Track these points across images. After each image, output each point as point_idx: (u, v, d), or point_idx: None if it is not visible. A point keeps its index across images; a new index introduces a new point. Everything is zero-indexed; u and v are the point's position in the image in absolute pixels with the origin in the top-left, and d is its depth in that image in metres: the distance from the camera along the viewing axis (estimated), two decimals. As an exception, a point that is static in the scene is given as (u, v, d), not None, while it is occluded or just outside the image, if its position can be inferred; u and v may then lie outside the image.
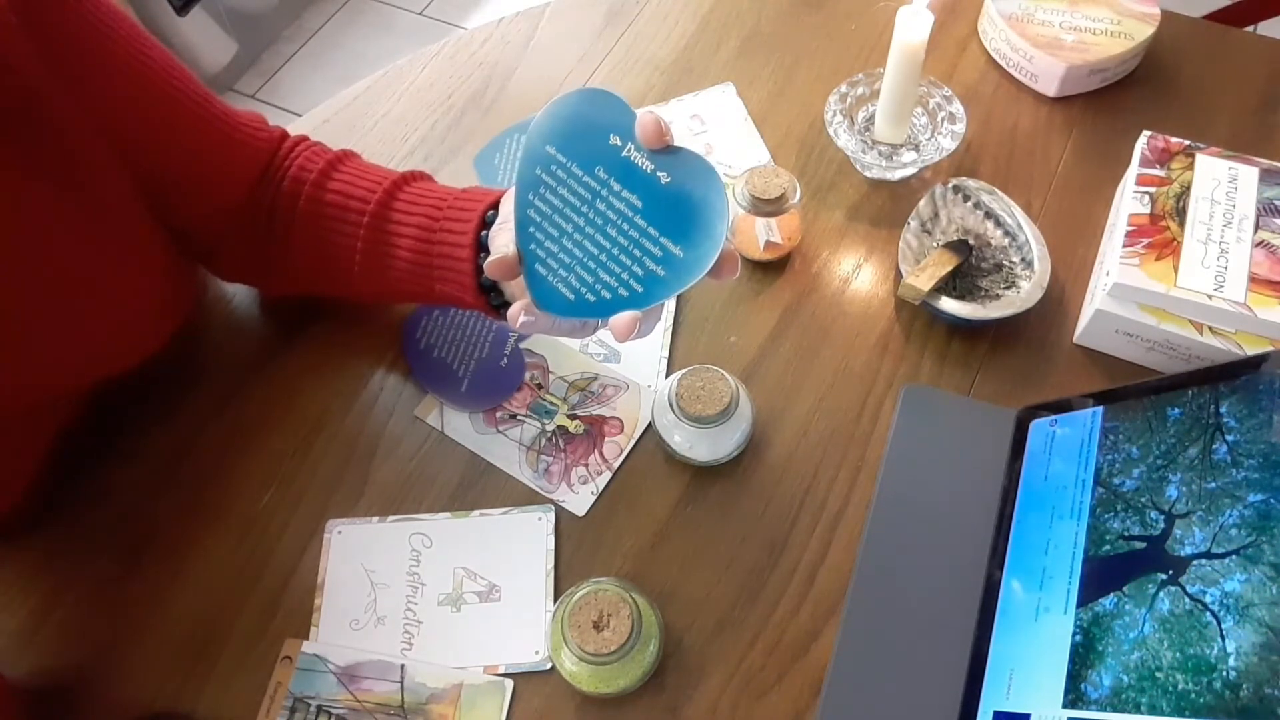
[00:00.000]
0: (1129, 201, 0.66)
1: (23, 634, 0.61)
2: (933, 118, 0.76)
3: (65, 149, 0.53)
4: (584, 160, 0.50)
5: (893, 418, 0.65)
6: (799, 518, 0.63)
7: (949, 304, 0.67)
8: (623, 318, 0.48)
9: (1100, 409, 0.58)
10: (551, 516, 0.63)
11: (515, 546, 0.62)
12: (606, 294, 0.49)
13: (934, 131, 0.76)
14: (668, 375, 0.68)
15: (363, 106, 0.85)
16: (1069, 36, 0.79)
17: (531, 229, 0.50)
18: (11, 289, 0.52)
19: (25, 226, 0.52)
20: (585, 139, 0.50)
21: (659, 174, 0.48)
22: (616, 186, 0.49)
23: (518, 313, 0.51)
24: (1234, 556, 0.47)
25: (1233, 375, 0.52)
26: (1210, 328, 0.62)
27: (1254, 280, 0.61)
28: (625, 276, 0.49)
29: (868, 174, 0.78)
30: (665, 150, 0.48)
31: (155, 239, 0.60)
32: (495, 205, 0.58)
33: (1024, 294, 0.67)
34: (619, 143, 0.49)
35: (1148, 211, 0.65)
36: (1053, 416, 0.61)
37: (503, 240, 0.52)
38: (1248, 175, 0.66)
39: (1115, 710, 0.47)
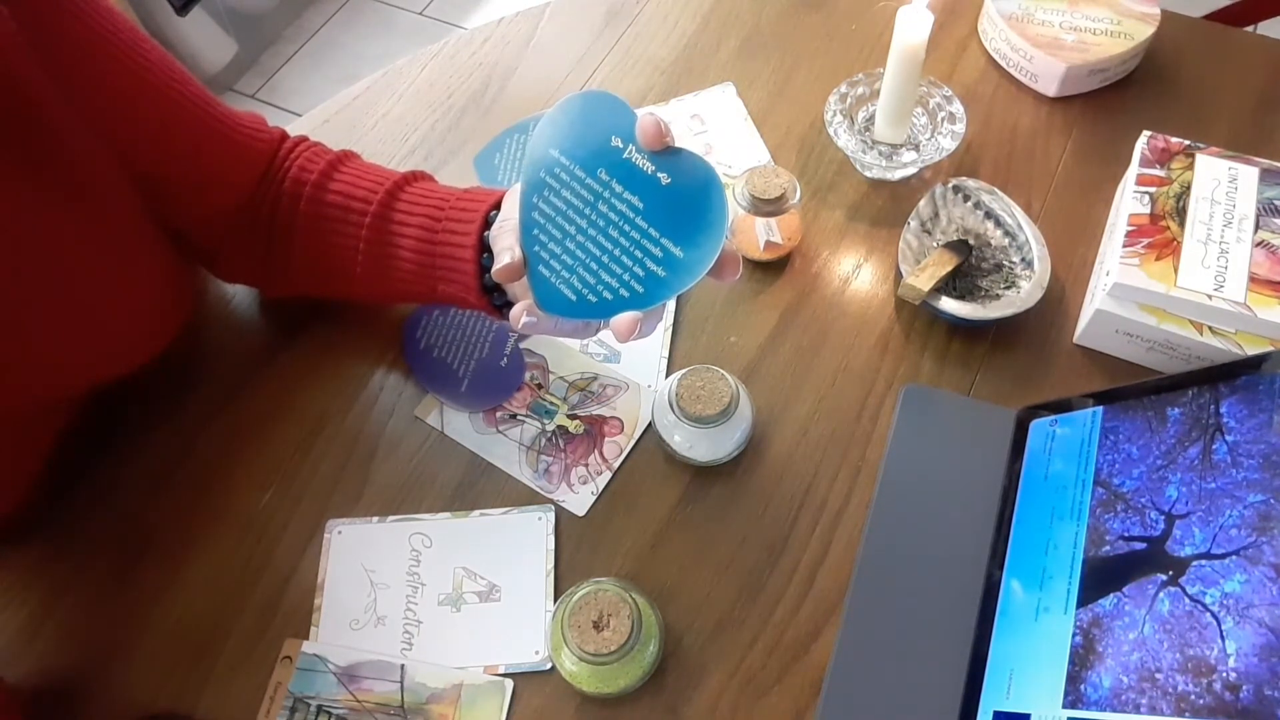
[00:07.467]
0: (1129, 201, 0.66)
1: (23, 634, 0.61)
2: (933, 118, 0.76)
3: (66, 155, 0.53)
4: (586, 162, 0.50)
5: (893, 418, 0.65)
6: (799, 518, 0.63)
7: (949, 304, 0.67)
8: (624, 319, 0.48)
9: (1100, 409, 0.58)
10: (551, 516, 0.63)
11: (515, 546, 0.62)
12: (608, 295, 0.49)
13: (934, 131, 0.76)
14: (668, 375, 0.68)
15: (363, 106, 0.85)
16: (1069, 36, 0.79)
17: (536, 231, 0.51)
18: (12, 295, 0.52)
19: (26, 233, 0.52)
20: (587, 141, 0.50)
21: (659, 175, 0.48)
22: (618, 188, 0.49)
23: (520, 314, 0.51)
24: (1234, 557, 0.47)
25: (1233, 375, 0.52)
26: (1210, 328, 0.62)
27: (1254, 280, 0.61)
28: (627, 278, 0.49)
29: (868, 174, 0.78)
30: (666, 151, 0.48)
31: (156, 243, 0.60)
32: (497, 205, 0.58)
33: (1024, 294, 0.67)
34: (620, 144, 0.49)
35: (1148, 211, 0.65)
36: (1053, 416, 0.61)
37: (505, 242, 0.52)
38: (1248, 175, 0.66)
39: (1115, 711, 0.47)
